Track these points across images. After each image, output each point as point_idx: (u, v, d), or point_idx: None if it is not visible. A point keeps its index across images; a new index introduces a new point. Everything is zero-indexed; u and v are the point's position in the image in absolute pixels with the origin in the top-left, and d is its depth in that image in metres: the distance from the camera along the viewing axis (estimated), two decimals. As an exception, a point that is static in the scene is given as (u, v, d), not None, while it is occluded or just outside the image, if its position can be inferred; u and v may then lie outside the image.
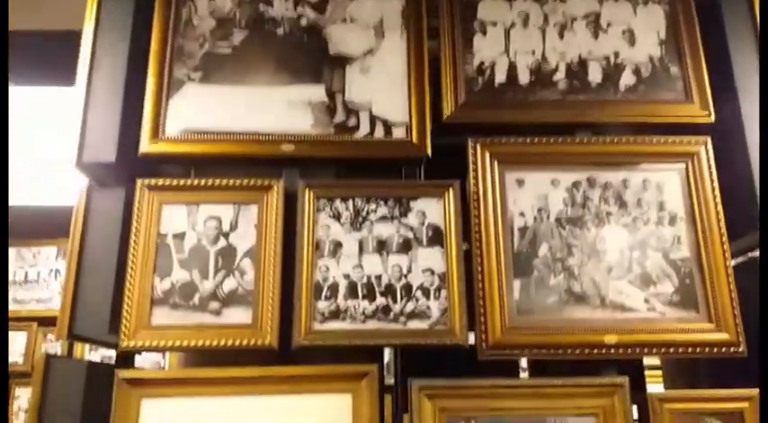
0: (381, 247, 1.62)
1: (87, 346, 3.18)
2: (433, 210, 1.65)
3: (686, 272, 1.61)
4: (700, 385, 1.68)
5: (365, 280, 1.59)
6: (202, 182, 1.64)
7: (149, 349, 1.52)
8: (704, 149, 1.70)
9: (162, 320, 1.53)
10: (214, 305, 1.55)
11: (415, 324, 1.56)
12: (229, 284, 1.58)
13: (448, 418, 1.48)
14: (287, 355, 1.53)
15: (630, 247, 1.63)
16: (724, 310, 1.56)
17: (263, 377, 1.47)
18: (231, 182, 1.64)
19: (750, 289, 1.57)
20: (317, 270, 1.59)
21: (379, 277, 1.59)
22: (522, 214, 1.66)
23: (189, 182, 1.65)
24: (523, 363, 1.81)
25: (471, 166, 1.68)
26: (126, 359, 1.65)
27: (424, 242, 1.63)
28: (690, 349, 1.54)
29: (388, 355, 1.93)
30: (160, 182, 1.63)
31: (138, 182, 1.63)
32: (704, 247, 1.62)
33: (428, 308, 1.57)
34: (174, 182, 1.64)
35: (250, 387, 1.46)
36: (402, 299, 1.58)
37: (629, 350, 1.54)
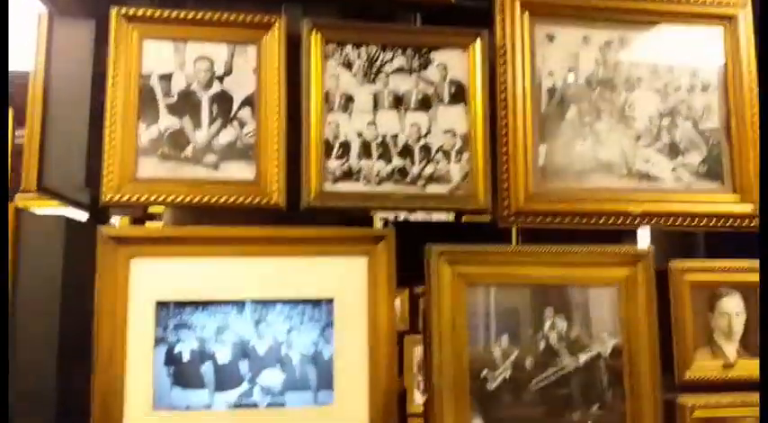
0: (398, 102, 1.45)
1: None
2: (456, 63, 1.47)
3: (714, 143, 1.54)
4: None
5: (380, 139, 1.43)
6: (190, 14, 1.39)
7: (136, 204, 1.32)
8: (743, 14, 1.58)
9: (150, 173, 1.33)
10: (210, 158, 1.36)
11: (433, 188, 1.43)
12: (226, 136, 1.38)
13: (467, 284, 1.39)
14: (292, 218, 1.38)
15: (660, 115, 1.53)
16: (749, 183, 1.51)
17: (272, 237, 1.32)
18: (224, 16, 1.40)
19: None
20: (327, 126, 1.41)
21: (395, 137, 1.44)
22: (550, 74, 1.51)
23: (175, 13, 1.39)
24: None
25: (498, 15, 1.49)
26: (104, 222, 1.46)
27: (446, 99, 1.47)
28: (714, 221, 1.49)
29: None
30: (140, 11, 1.37)
31: (113, 11, 1.36)
32: (734, 118, 1.54)
33: (448, 171, 1.44)
34: (157, 12, 1.38)
35: (257, 248, 1.32)
36: (420, 161, 1.44)
37: (654, 220, 1.48)
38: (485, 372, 1.38)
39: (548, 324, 1.42)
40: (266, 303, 1.31)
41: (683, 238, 1.63)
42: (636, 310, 1.43)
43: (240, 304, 1.30)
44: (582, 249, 1.43)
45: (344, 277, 1.34)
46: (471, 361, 1.37)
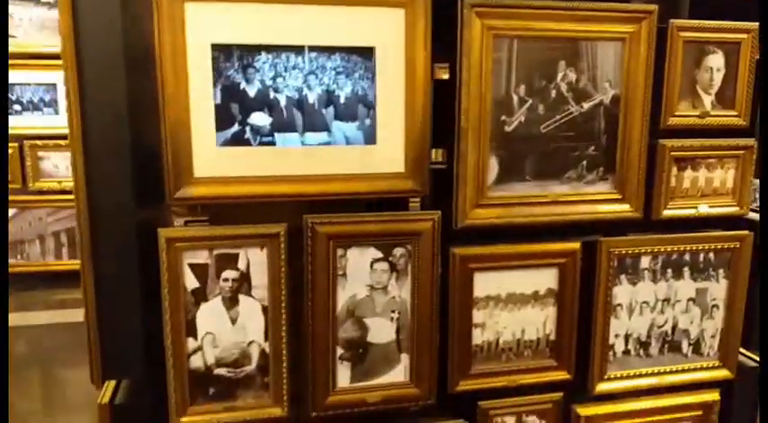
0: None
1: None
2: None
3: None
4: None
5: None
6: None
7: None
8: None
9: None
10: None
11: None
12: None
13: (494, 35, 1.52)
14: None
15: None
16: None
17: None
18: None
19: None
20: None
21: None
22: None
23: None
24: None
25: None
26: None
27: None
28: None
29: None
30: None
31: None
32: None
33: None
34: None
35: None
36: None
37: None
38: (503, 117, 1.58)
39: (560, 75, 1.59)
40: (316, 50, 1.41)
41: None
42: (636, 64, 1.62)
43: (296, 49, 1.39)
44: (595, 5, 1.56)
45: (383, 27, 1.43)
46: (493, 106, 1.56)
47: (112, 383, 1.51)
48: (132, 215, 1.40)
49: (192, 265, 1.41)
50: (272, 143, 1.42)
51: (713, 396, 1.91)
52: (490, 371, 1.71)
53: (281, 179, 1.44)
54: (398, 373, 1.62)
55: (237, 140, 1.41)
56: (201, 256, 1.42)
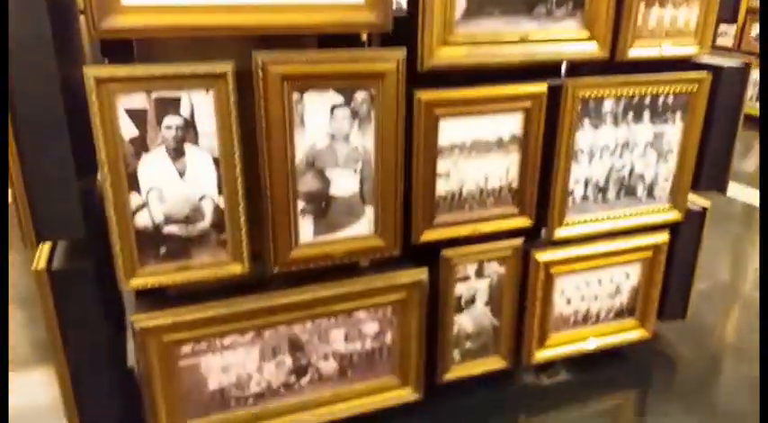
0: None
1: None
2: None
3: None
4: None
5: None
6: None
7: None
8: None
9: None
10: None
11: None
12: None
13: None
14: None
15: None
16: None
17: None
18: None
19: None
20: None
21: None
22: None
23: None
24: None
25: None
26: None
27: None
28: None
29: None
30: None
31: None
32: None
33: None
34: None
35: None
36: None
37: None
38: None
39: None
40: None
41: None
42: None
43: None
44: None
45: None
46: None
47: (47, 247, 1.37)
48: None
49: (128, 111, 1.23)
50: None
51: (663, 238, 1.98)
52: (453, 221, 1.67)
53: (225, 8, 1.24)
54: (363, 226, 1.54)
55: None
56: (138, 101, 1.23)
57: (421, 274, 1.66)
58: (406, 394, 1.78)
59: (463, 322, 1.85)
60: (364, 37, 1.56)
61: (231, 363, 1.54)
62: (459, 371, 1.89)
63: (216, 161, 1.34)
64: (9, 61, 1.12)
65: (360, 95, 1.42)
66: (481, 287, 1.82)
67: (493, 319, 1.88)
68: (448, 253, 1.71)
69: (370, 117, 1.44)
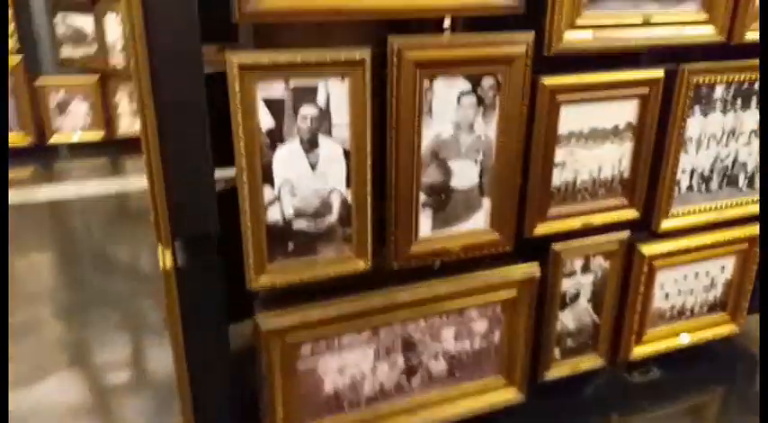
0: None
1: None
2: None
3: None
4: None
5: None
6: None
7: None
8: None
9: None
10: None
11: None
12: None
13: None
14: None
15: None
16: None
17: None
18: None
19: None
20: None
21: None
22: None
23: None
24: None
25: None
26: None
27: None
28: None
29: None
30: None
31: None
32: None
33: None
34: None
35: None
36: None
37: None
38: None
39: None
40: None
41: None
42: None
43: None
44: None
45: None
46: None
47: (168, 249, 1.31)
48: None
49: (267, 101, 1.17)
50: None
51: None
52: (566, 213, 1.61)
53: (361, -8, 1.18)
54: (479, 219, 1.49)
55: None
56: (277, 90, 1.17)
57: (534, 269, 1.60)
58: (512, 395, 1.72)
59: (565, 319, 1.79)
60: (446, 23, 1.50)
61: (347, 363, 1.48)
62: (559, 370, 1.83)
63: (346, 153, 1.28)
64: (154, 41, 1.05)
65: (486, 82, 1.36)
66: (586, 282, 1.76)
67: (594, 316, 1.82)
68: (558, 247, 1.65)
69: (494, 104, 1.38)
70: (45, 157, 3.98)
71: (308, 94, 1.20)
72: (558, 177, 1.56)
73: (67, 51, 3.94)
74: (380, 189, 1.35)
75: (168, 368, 1.56)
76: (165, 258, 1.24)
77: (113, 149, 4.08)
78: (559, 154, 1.53)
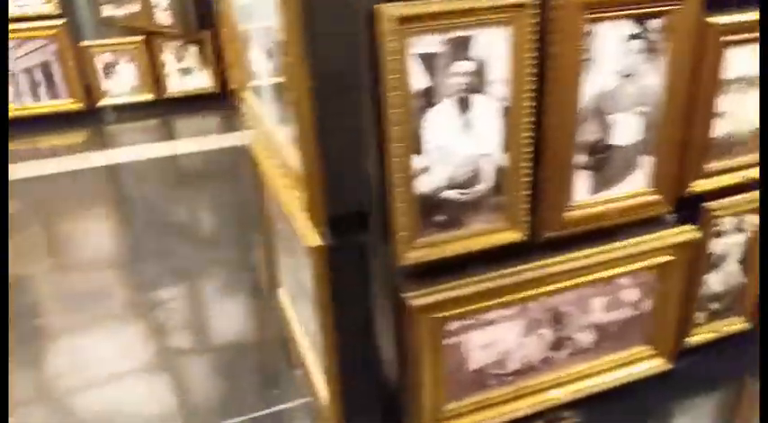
0: None
1: None
2: None
3: None
4: None
5: None
6: None
7: None
8: None
9: None
10: None
11: None
12: None
13: None
14: None
15: None
16: None
17: None
18: None
19: None
20: None
21: None
22: None
23: None
24: None
25: None
26: None
27: None
28: None
29: None
30: None
31: None
32: None
33: None
34: None
35: None
36: None
37: None
38: None
39: None
40: None
41: None
42: None
43: None
44: None
45: None
46: None
47: (320, 228, 1.21)
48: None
49: (421, 56, 1.04)
50: None
51: None
52: (724, 167, 1.44)
53: None
54: (638, 180, 1.34)
55: None
56: (430, 44, 1.04)
57: (692, 231, 1.45)
58: (660, 364, 1.59)
59: (712, 282, 1.64)
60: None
61: (493, 339, 1.38)
62: (703, 334, 1.70)
63: (504, 111, 1.14)
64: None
65: (654, 23, 1.19)
66: (737, 242, 1.60)
67: (742, 278, 1.67)
68: (711, 205, 1.49)
69: (662, 50, 1.22)
70: (94, 121, 3.91)
71: (462, 47, 1.06)
72: (720, 128, 1.39)
73: (109, 10, 3.83)
74: (535, 152, 1.21)
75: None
76: (314, 237, 1.14)
77: (162, 110, 3.98)
78: (723, 102, 1.36)
